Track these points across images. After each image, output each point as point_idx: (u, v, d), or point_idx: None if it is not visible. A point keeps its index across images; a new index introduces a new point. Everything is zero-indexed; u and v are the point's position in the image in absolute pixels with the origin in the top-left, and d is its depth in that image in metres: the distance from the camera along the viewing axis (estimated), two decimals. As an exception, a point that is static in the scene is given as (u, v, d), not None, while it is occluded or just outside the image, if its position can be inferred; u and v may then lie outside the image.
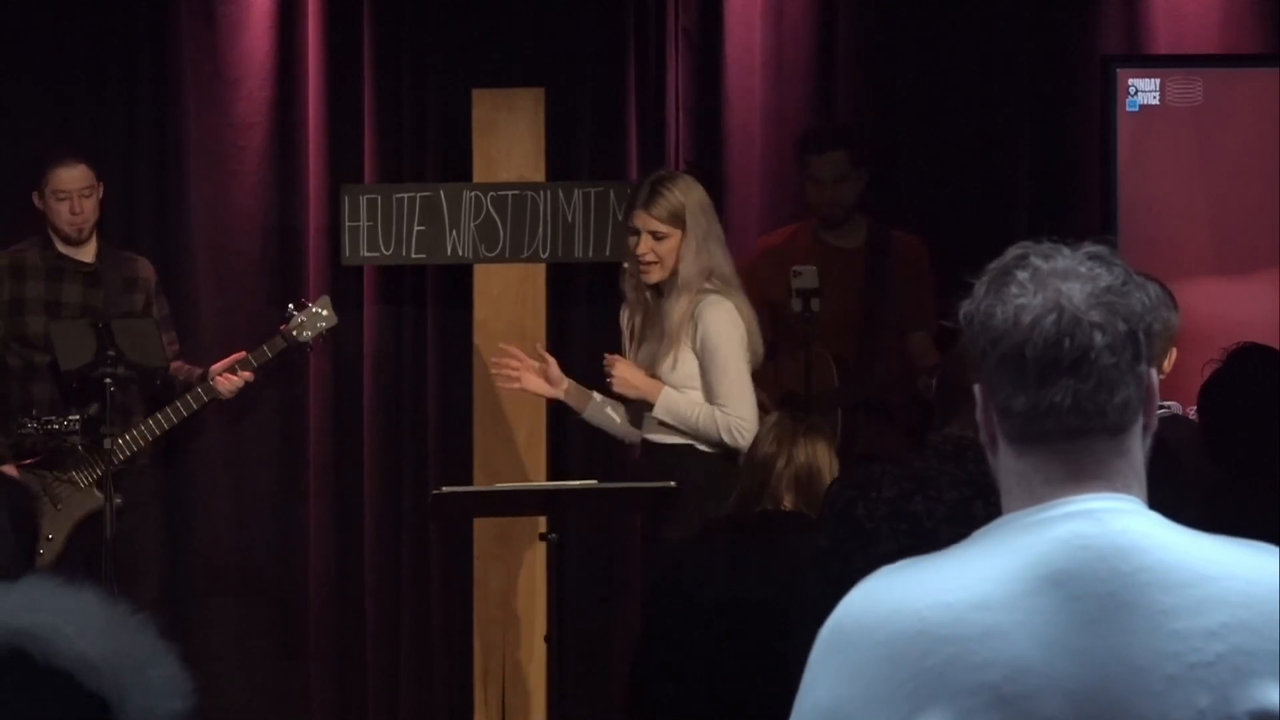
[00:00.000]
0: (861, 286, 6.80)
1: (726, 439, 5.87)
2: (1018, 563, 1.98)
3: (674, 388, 5.88)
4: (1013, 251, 2.07)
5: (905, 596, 1.99)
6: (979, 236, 7.21)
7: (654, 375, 5.91)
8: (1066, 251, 2.06)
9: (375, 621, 7.38)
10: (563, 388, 6.13)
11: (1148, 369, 2.05)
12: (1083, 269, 2.03)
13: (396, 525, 7.37)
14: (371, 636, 7.39)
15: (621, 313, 6.14)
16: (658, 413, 5.90)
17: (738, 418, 5.87)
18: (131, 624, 2.15)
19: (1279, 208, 6.70)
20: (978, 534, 2.05)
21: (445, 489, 5.84)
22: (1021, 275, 2.03)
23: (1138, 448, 2.05)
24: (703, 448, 5.91)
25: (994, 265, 2.07)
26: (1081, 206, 7.11)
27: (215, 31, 7.37)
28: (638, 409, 5.98)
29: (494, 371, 6.27)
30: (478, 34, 7.35)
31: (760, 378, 6.84)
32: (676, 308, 5.89)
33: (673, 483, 5.90)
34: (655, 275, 5.92)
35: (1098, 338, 2.00)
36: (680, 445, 5.92)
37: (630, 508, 5.85)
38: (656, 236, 5.88)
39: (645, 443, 6.00)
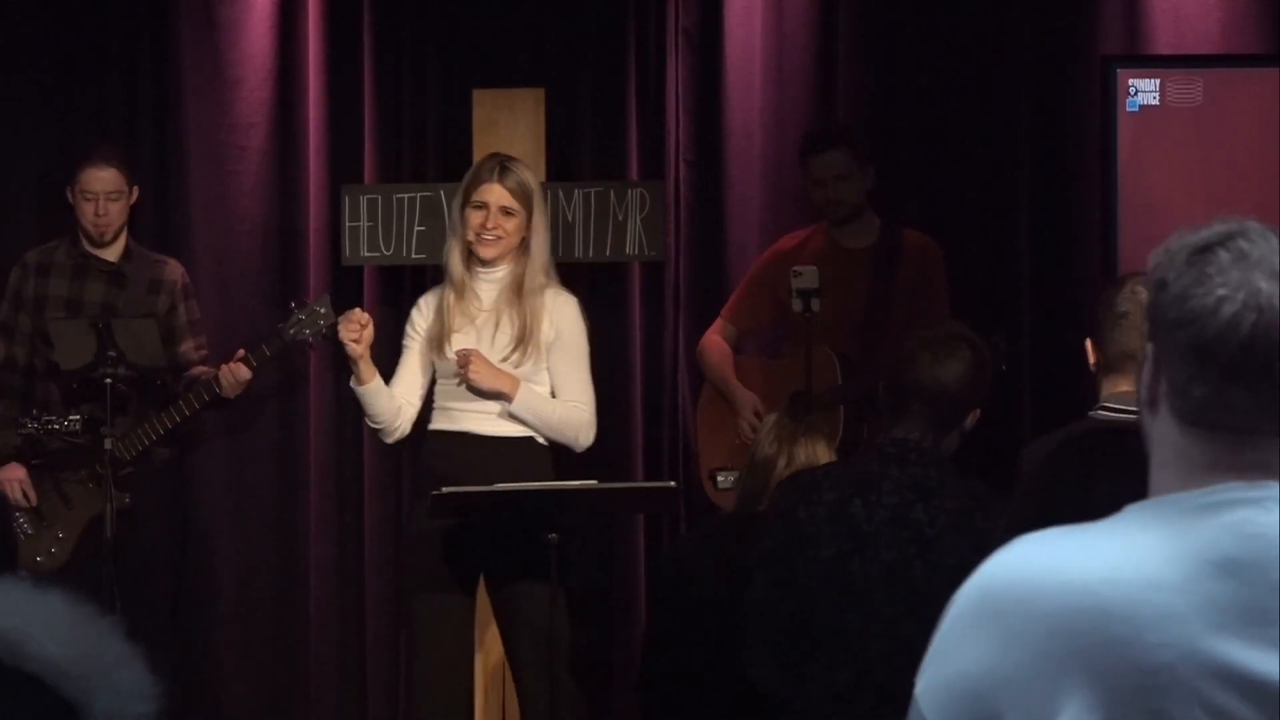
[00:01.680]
0: (870, 284, 6.80)
1: (580, 435, 5.90)
2: (1187, 545, 1.95)
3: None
4: (1221, 227, 2.01)
5: (1069, 567, 1.96)
6: (979, 236, 7.20)
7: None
8: (1274, 241, 2.01)
9: (375, 621, 7.37)
10: (362, 353, 6.08)
11: None
12: None
13: (396, 525, 7.37)
14: (371, 636, 7.39)
15: (429, 296, 6.11)
16: (517, 408, 5.90)
17: (591, 415, 5.91)
18: (99, 627, 2.15)
19: (1279, 208, 6.70)
20: (1133, 509, 2.02)
21: (445, 489, 5.83)
22: (1224, 256, 1.99)
23: None
24: (541, 440, 5.93)
25: (1200, 235, 2.01)
26: (1082, 206, 7.11)
27: (215, 31, 7.37)
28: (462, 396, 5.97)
29: (341, 331, 6.16)
30: (478, 34, 7.35)
31: (766, 377, 6.85)
32: (534, 301, 5.88)
33: (671, 482, 5.88)
34: (493, 252, 5.89)
35: None
36: (522, 438, 5.95)
37: (630, 508, 5.82)
38: (506, 212, 5.86)
39: (472, 436, 5.99)
